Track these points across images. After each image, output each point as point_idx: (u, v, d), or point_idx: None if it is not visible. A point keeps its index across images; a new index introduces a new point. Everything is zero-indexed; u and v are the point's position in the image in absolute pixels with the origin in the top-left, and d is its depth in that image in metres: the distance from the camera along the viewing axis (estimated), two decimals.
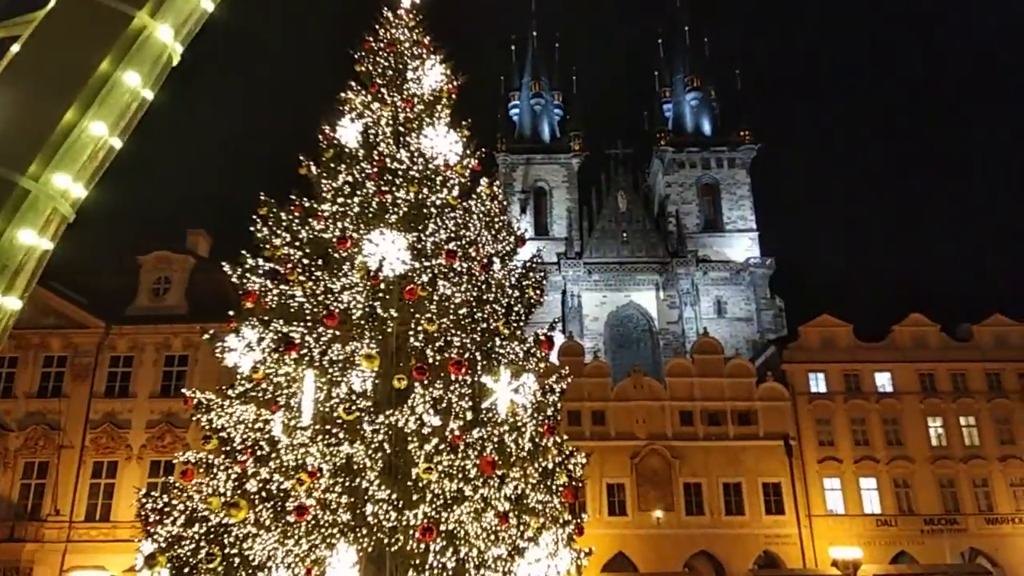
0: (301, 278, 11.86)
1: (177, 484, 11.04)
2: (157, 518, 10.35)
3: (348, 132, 12.98)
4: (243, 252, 12.03)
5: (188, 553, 9.57)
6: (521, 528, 9.95)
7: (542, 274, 13.60)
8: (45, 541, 28.88)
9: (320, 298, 11.70)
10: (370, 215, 12.30)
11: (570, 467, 11.90)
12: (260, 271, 12.10)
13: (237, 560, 9.32)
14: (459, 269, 11.99)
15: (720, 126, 74.17)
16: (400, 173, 12.49)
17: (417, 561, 9.55)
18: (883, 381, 41.02)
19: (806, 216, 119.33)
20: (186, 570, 9.39)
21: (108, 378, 31.70)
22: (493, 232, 13.01)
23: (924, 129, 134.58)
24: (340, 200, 12.40)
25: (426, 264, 11.82)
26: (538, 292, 13.18)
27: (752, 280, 68.23)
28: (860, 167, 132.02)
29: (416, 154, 12.70)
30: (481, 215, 12.94)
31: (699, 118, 75.25)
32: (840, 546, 37.17)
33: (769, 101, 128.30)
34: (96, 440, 30.57)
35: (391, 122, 13.05)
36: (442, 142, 12.78)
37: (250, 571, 9.26)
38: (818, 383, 40.96)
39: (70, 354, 31.75)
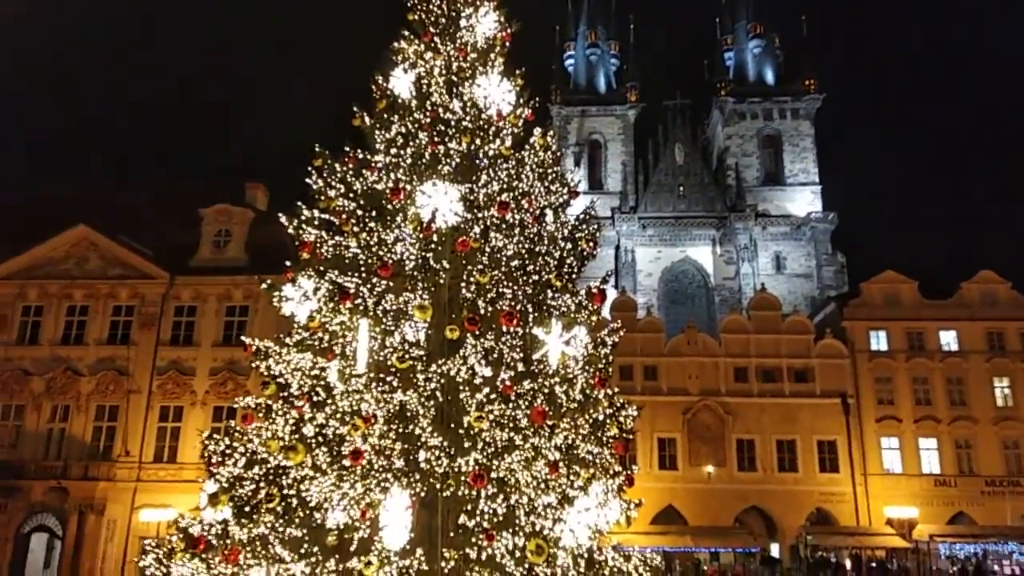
0: (355, 229, 11.93)
1: (238, 428, 11.39)
2: (219, 460, 10.70)
3: (401, 82, 12.87)
4: (299, 203, 12.15)
5: (248, 493, 9.89)
6: (571, 478, 10.01)
7: (595, 226, 13.42)
8: (117, 480, 30.46)
9: (374, 249, 11.77)
10: (423, 166, 12.25)
11: (621, 419, 11.87)
12: (315, 222, 12.22)
13: (295, 501, 9.61)
14: (511, 221, 11.89)
15: (783, 75, 71.48)
16: (453, 123, 12.38)
17: (469, 507, 9.69)
18: (948, 339, 39.79)
19: (871, 170, 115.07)
20: (247, 509, 9.72)
21: (173, 327, 32.89)
22: (546, 184, 12.84)
23: (992, 83, 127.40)
24: (393, 151, 12.38)
25: (478, 216, 11.75)
26: (591, 244, 13.02)
27: (813, 235, 66.37)
28: (927, 120, 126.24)
29: (469, 104, 12.54)
30: (534, 166, 12.77)
31: (761, 67, 72.64)
32: (896, 505, 36.64)
33: (835, 50, 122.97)
34: (162, 386, 31.90)
35: (444, 71, 12.88)
36: (495, 91, 12.58)
37: (307, 512, 9.54)
38: (879, 341, 39.96)
39: (137, 303, 32.97)
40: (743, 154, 69.62)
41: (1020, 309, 39.85)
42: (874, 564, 34.48)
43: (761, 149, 69.92)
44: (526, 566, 8.93)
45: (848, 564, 34.02)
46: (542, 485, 9.98)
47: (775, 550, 37.38)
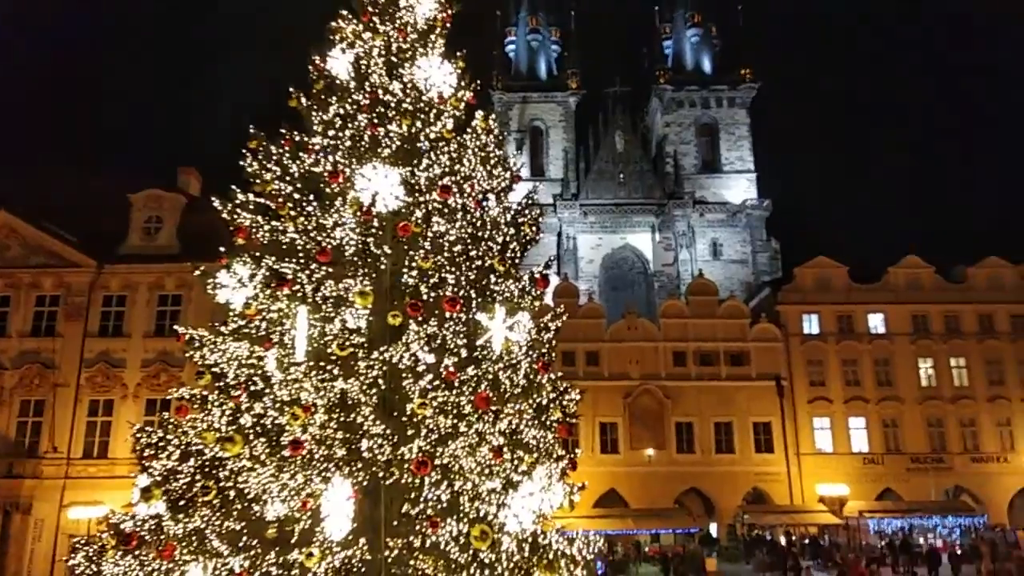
0: (292, 213, 11.60)
1: (172, 420, 11.02)
2: (152, 452, 10.34)
3: (339, 63, 12.53)
4: (232, 187, 11.74)
5: (183, 486, 9.57)
6: (515, 462, 9.97)
7: (538, 211, 13.37)
8: (44, 477, 29.23)
9: (312, 234, 11.47)
10: (362, 149, 11.97)
11: (564, 403, 11.89)
12: (251, 206, 11.82)
13: (232, 493, 9.33)
14: (453, 205, 11.74)
15: (720, 64, 72.81)
16: (392, 105, 12.12)
17: (412, 494, 9.57)
18: (876, 323, 41.35)
19: (805, 158, 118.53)
20: (181, 503, 9.40)
21: (102, 317, 31.64)
22: (488, 168, 12.70)
23: (924, 69, 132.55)
24: (331, 133, 12.06)
25: (420, 200, 11.56)
26: (534, 229, 12.96)
27: (749, 222, 67.97)
28: (860, 108, 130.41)
29: (409, 86, 12.30)
30: (476, 150, 12.62)
31: (699, 56, 73.81)
32: (827, 483, 38.04)
33: (771, 39, 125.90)
34: (91, 379, 30.68)
35: (383, 52, 12.59)
36: (436, 73, 12.36)
37: (245, 504, 9.28)
38: (811, 324, 41.28)
39: (63, 293, 31.59)
40: (681, 142, 70.73)
41: (943, 293, 41.69)
42: (807, 540, 35.70)
43: (698, 137, 71.15)
44: (471, 552, 8.88)
45: (783, 541, 35.12)
46: (486, 471, 9.93)
47: (713, 529, 38.38)
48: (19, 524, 28.76)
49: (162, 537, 9.22)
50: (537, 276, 12.17)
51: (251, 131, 11.91)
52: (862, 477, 38.79)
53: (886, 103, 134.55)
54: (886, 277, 42.22)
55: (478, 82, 13.11)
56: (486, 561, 8.93)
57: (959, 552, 33.73)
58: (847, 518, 37.15)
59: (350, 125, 11.86)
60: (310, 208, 11.45)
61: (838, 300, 41.51)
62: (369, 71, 12.36)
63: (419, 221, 11.14)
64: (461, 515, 9.21)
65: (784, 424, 39.35)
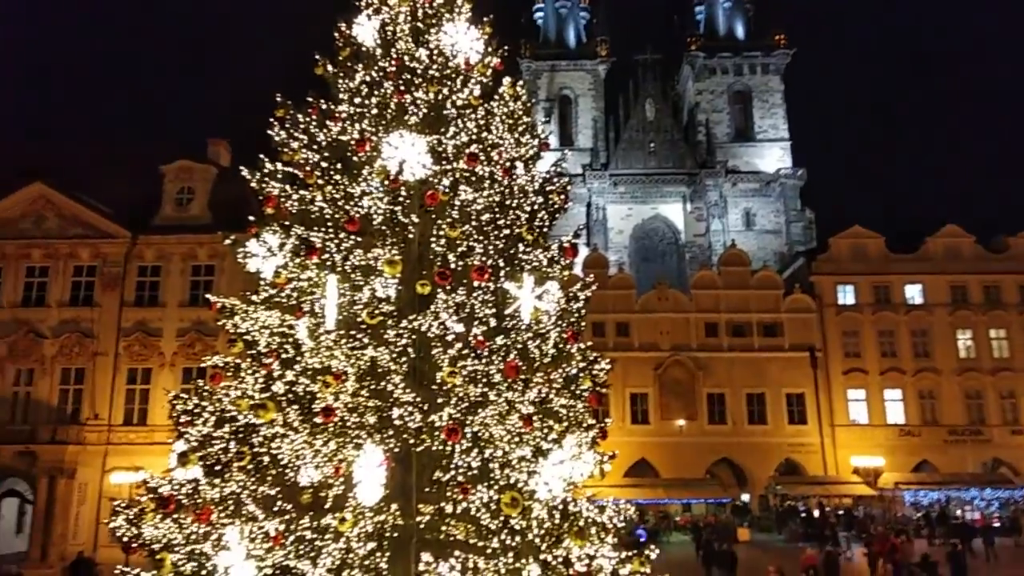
0: (320, 182, 11.58)
1: (206, 387, 11.16)
2: (188, 419, 10.49)
3: (364, 29, 12.39)
4: (261, 156, 11.74)
5: (218, 452, 9.71)
6: (545, 431, 9.96)
7: (566, 179, 13.20)
8: (87, 443, 30.07)
9: (340, 203, 11.44)
10: (389, 117, 11.86)
11: (594, 373, 11.81)
12: (279, 175, 11.81)
13: (266, 459, 9.44)
14: (481, 173, 11.61)
15: (754, 30, 71.10)
16: (419, 72, 11.97)
17: (443, 461, 9.61)
18: (913, 293, 40.54)
19: (841, 125, 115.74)
20: (217, 468, 9.55)
21: (137, 287, 32.24)
22: (516, 135, 12.53)
23: (965, 28, 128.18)
24: (357, 101, 11.96)
25: (447, 168, 11.45)
26: (562, 197, 12.78)
27: (782, 191, 66.78)
28: (897, 73, 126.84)
29: (436, 52, 12.13)
30: (504, 117, 12.44)
31: (732, 21, 72.12)
32: (862, 455, 37.63)
33: (806, 3, 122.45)
34: (129, 348, 31.36)
35: (409, 18, 12.42)
36: (463, 39, 12.17)
37: (279, 469, 9.40)
38: (846, 295, 40.60)
39: (99, 263, 32.20)
40: (713, 110, 69.46)
41: (983, 263, 40.67)
42: (841, 512, 35.45)
43: (731, 105, 69.79)
44: (501, 518, 8.90)
45: (816, 512, 34.93)
46: (516, 439, 9.93)
47: (745, 500, 38.27)
48: (64, 488, 29.69)
49: (199, 501, 9.38)
50: (566, 245, 12.05)
51: (278, 100, 11.88)
52: (898, 449, 38.32)
53: (924, 67, 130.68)
54: (924, 247, 41.28)
55: (505, 48, 12.89)
56: (516, 528, 8.96)
57: (997, 524, 33.29)
58: (882, 490, 36.79)
59: (376, 92, 11.75)
60: (338, 177, 11.42)
61: (874, 270, 40.72)
62: (395, 37, 12.22)
63: (446, 189, 11.05)
64: (491, 482, 9.24)
65: (818, 395, 38.92)
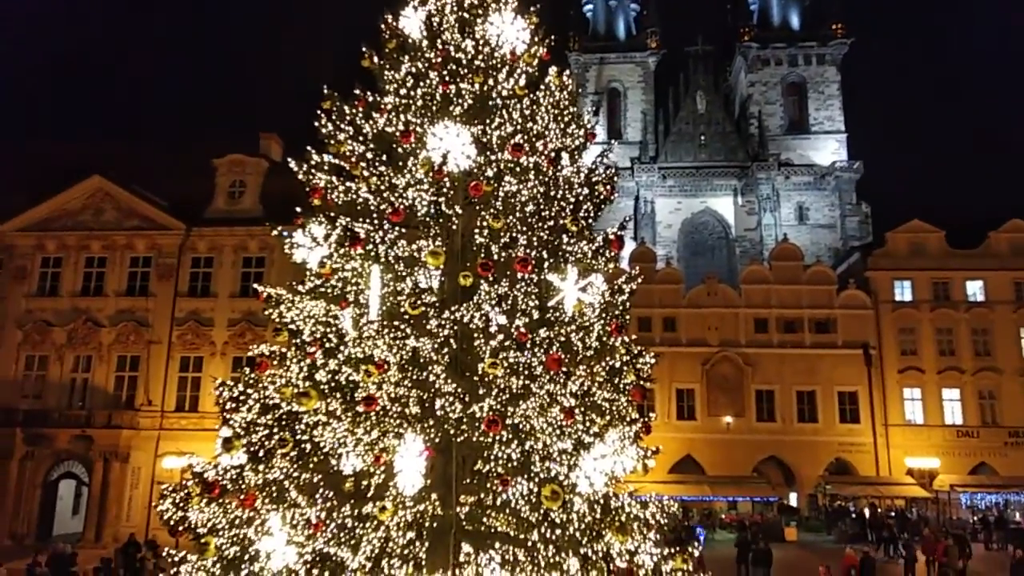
0: (365, 173, 11.62)
1: (252, 375, 11.33)
2: (233, 406, 10.65)
3: (411, 21, 12.37)
4: (308, 148, 11.85)
5: (262, 439, 9.84)
6: (587, 424, 9.84)
7: (612, 169, 13.01)
8: (140, 428, 31.01)
9: (385, 194, 11.46)
10: (434, 108, 11.83)
11: (638, 366, 11.62)
12: (325, 167, 11.91)
13: (308, 446, 9.53)
14: (526, 164, 11.51)
15: (809, 20, 69.28)
16: (464, 63, 11.90)
17: (484, 452, 9.57)
18: (974, 290, 39.12)
19: (898, 117, 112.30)
20: (261, 454, 9.67)
21: (191, 278, 33.08)
22: (562, 125, 12.38)
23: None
24: (403, 92, 11.96)
25: (491, 159, 11.37)
26: (608, 188, 12.60)
27: (837, 185, 65.08)
28: (958, 65, 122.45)
29: (481, 42, 12.04)
30: (549, 107, 12.30)
31: (786, 11, 70.41)
32: (916, 456, 36.51)
33: None
34: (182, 336, 32.21)
35: (455, 9, 12.37)
36: (509, 29, 12.06)
37: (321, 457, 9.47)
38: (904, 291, 39.38)
39: (154, 255, 33.12)
40: (766, 102, 68.01)
41: None
42: (893, 513, 34.46)
43: (785, 97, 68.24)
44: (541, 511, 8.82)
45: (867, 513, 34.01)
46: (557, 431, 9.83)
47: (792, 499, 37.51)
48: (118, 472, 30.67)
49: (243, 486, 9.51)
50: (611, 237, 11.87)
51: (325, 92, 11.96)
52: (954, 450, 37.06)
53: (986, 55, 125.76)
54: (987, 242, 39.76)
55: (552, 37, 12.74)
56: (557, 521, 8.87)
57: None
58: (937, 492, 35.65)
59: (421, 84, 11.73)
60: (382, 168, 11.44)
61: (933, 266, 39.36)
62: (441, 28, 12.18)
63: (491, 180, 10.97)
64: (532, 474, 9.17)
65: (871, 394, 37.86)
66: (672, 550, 9.31)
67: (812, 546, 30.68)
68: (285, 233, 11.61)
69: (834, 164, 65.30)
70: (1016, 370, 37.87)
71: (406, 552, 8.63)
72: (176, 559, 9.34)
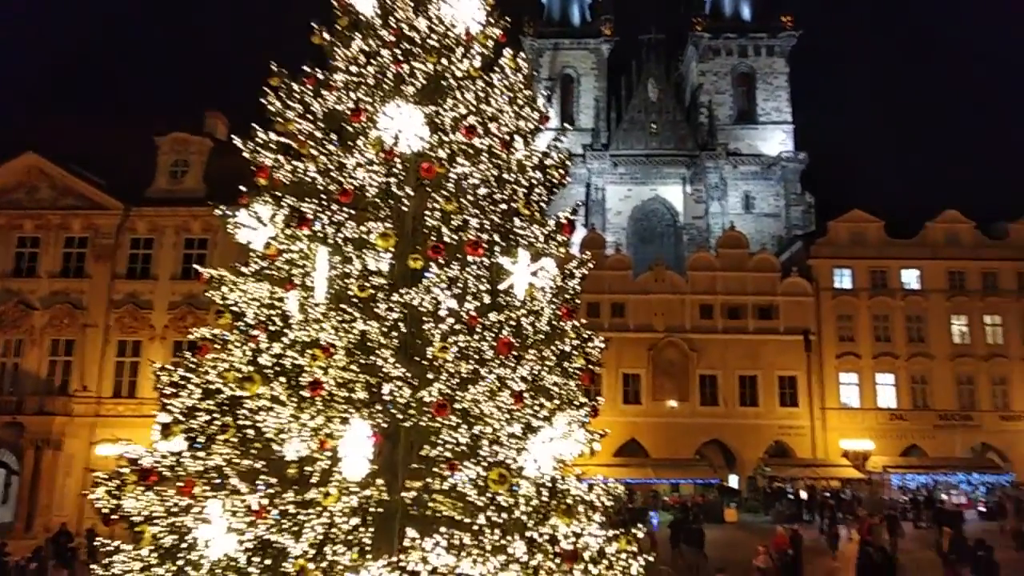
0: (314, 152, 11.33)
1: (193, 359, 10.99)
2: (173, 391, 10.32)
3: None
4: (254, 126, 11.49)
5: (203, 425, 9.55)
6: (536, 408, 9.82)
7: (566, 153, 12.96)
8: (74, 415, 29.98)
9: (333, 174, 11.20)
10: (386, 87, 11.59)
11: (587, 351, 11.65)
12: (272, 146, 11.57)
13: (251, 432, 9.29)
14: (479, 146, 11.37)
15: (760, 11, 70.32)
16: (418, 42, 11.67)
17: (431, 437, 9.48)
18: (910, 278, 40.48)
19: (844, 109, 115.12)
20: (201, 440, 9.40)
21: (129, 260, 32.05)
22: (516, 108, 12.26)
23: (972, 15, 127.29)
24: (354, 70, 11.68)
25: (444, 140, 11.21)
26: (561, 173, 12.54)
27: (783, 175, 66.46)
28: (904, 58, 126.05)
29: (436, 21, 11.83)
30: (503, 89, 12.16)
31: (738, 2, 71.37)
32: (851, 438, 37.75)
33: None
34: (120, 320, 31.20)
35: None
36: (464, 9, 11.85)
37: (264, 443, 9.25)
38: (843, 279, 40.52)
39: (91, 235, 31.96)
40: (716, 92, 68.93)
41: (982, 249, 40.58)
42: (828, 494, 35.57)
43: (735, 87, 69.25)
44: (488, 495, 8.79)
45: (804, 494, 35.05)
46: (506, 416, 9.79)
47: (733, 481, 38.42)
48: (50, 459, 29.62)
49: (181, 474, 9.24)
50: (563, 221, 11.84)
51: (272, 68, 11.61)
52: (887, 433, 38.45)
53: (928, 52, 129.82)
54: (923, 232, 41.15)
55: (507, 18, 12.59)
56: (504, 504, 8.84)
57: (983, 509, 33.48)
58: (870, 473, 36.95)
59: (373, 62, 11.48)
60: (331, 147, 11.18)
61: (872, 255, 40.60)
62: (394, 6, 11.92)
63: (443, 162, 10.82)
64: (480, 458, 9.12)
65: (810, 378, 38.96)
66: (617, 532, 9.40)
67: (750, 526, 31.48)
68: (229, 213, 11.29)
69: (780, 155, 66.65)
70: (947, 356, 39.39)
71: (350, 538, 8.51)
72: (110, 549, 9.04)
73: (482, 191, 11.06)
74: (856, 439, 37.82)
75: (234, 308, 10.52)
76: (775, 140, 67.59)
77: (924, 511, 32.29)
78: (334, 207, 10.68)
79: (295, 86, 11.50)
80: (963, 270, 40.35)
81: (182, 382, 10.23)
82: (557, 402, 10.26)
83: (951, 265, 40.33)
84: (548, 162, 12.17)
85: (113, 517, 9.09)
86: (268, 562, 8.37)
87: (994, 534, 25.84)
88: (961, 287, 40.11)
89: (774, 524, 31.66)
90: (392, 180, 10.76)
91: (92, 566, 9.22)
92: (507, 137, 11.62)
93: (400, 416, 9.44)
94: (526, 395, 9.77)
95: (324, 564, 8.26)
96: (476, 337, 9.74)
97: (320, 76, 11.57)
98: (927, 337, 39.75)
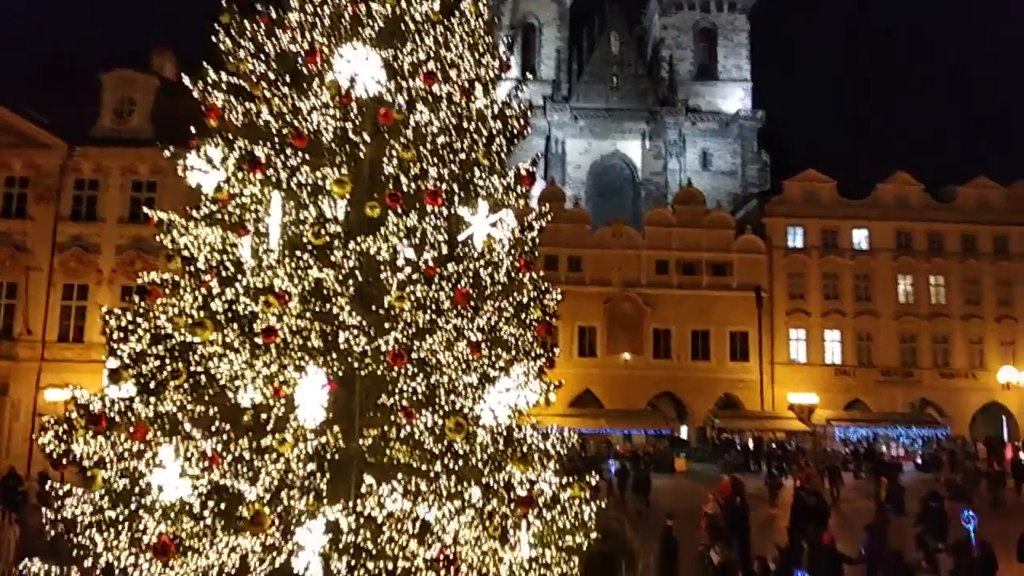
0: (267, 95, 10.97)
1: (142, 303, 10.73)
2: (121, 336, 10.08)
3: None
4: (204, 64, 11.05)
5: (153, 370, 9.38)
6: (493, 358, 9.87)
7: (527, 103, 12.79)
8: (19, 360, 29.24)
9: (287, 117, 10.89)
10: (342, 28, 11.22)
11: (544, 303, 11.70)
12: (223, 86, 11.16)
13: (204, 378, 9.16)
14: (438, 93, 11.15)
15: None
16: None
17: (388, 386, 9.47)
18: (860, 238, 41.45)
19: (803, 69, 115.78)
20: (152, 385, 9.24)
21: (74, 202, 31.00)
22: (476, 55, 12.01)
23: None
24: (309, 9, 11.27)
25: (403, 85, 10.95)
26: (522, 123, 12.38)
27: (741, 133, 66.88)
28: (864, 20, 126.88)
29: None
30: (464, 35, 11.88)
31: None
32: (798, 392, 38.97)
33: None
34: (65, 263, 30.29)
35: None
36: None
37: (217, 389, 9.13)
38: (796, 238, 41.31)
39: (32, 175, 30.75)
40: (678, 47, 68.58)
41: (929, 211, 41.68)
42: (774, 445, 36.85)
43: (696, 42, 68.98)
44: (445, 443, 8.86)
45: (750, 445, 36.23)
46: (463, 365, 9.82)
47: (684, 432, 39.47)
48: None
49: (133, 419, 9.10)
50: (523, 173, 11.75)
51: (223, 4, 11.14)
52: (832, 388, 39.79)
53: (890, 17, 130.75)
54: (874, 193, 42.04)
55: None
56: (460, 452, 8.93)
57: (919, 462, 35.05)
58: (815, 426, 38.28)
59: (329, 1, 11.11)
60: (285, 89, 10.85)
61: (824, 214, 41.43)
62: None
63: (401, 108, 10.60)
64: (437, 407, 9.17)
65: (760, 334, 39.93)
66: (570, 479, 9.59)
67: (699, 475, 32.49)
68: (178, 155, 10.94)
69: (738, 112, 66.95)
70: (892, 314, 40.69)
71: (307, 483, 8.51)
72: (61, 492, 8.91)
73: (441, 139, 10.89)
74: (803, 393, 39.06)
75: (184, 253, 10.29)
76: (734, 97, 67.82)
77: (864, 463, 33.65)
78: (288, 151, 10.42)
79: (247, 24, 11.09)
80: (911, 231, 41.48)
81: (131, 327, 10.01)
82: (514, 353, 10.33)
83: (900, 226, 41.40)
84: (508, 112, 12.02)
85: (63, 462, 8.95)
86: (223, 507, 8.34)
87: (929, 484, 27.13)
88: (908, 247, 41.27)
89: (721, 473, 32.74)
90: (348, 125, 10.52)
91: (43, 509, 9.10)
92: (467, 85, 11.41)
93: (356, 365, 9.40)
94: (483, 345, 9.81)
95: (280, 509, 8.27)
96: (434, 287, 9.70)
97: (274, 15, 11.17)
98: (873, 296, 40.95)
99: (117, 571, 8.41)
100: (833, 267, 41.01)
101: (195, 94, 10.97)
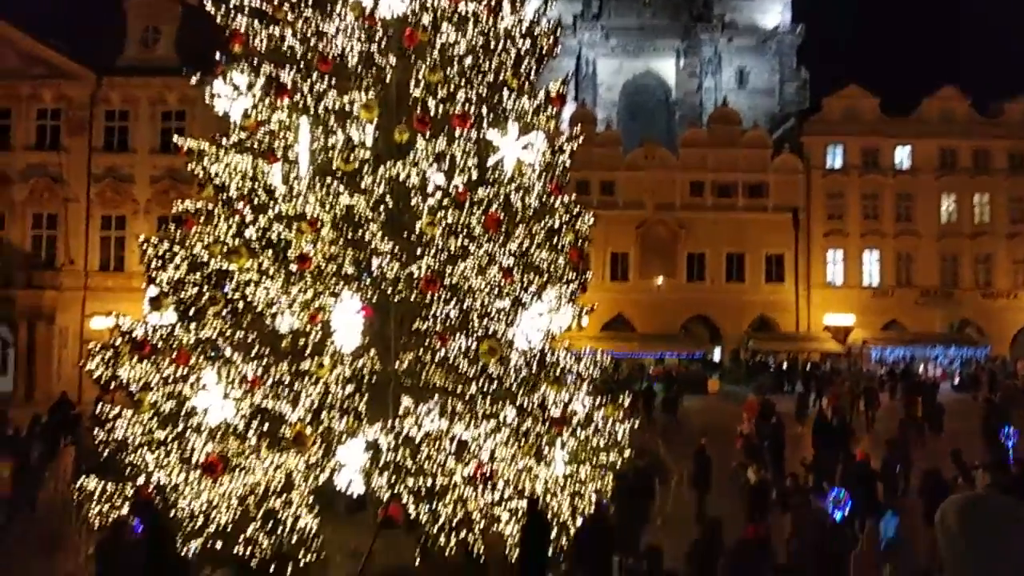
0: (290, 17, 10.77)
1: (178, 232, 10.88)
2: (160, 264, 10.27)
3: None
4: None
5: (192, 297, 9.59)
6: (525, 283, 9.88)
7: (556, 21, 12.39)
8: (64, 289, 30.04)
9: (312, 41, 10.70)
10: None
11: (576, 226, 11.61)
12: (246, 10, 10.97)
13: (241, 305, 9.34)
14: (464, 13, 10.83)
15: None
16: None
17: (422, 311, 9.56)
18: (902, 156, 40.18)
19: None
20: (192, 312, 9.45)
21: (106, 132, 31.18)
22: None
23: None
24: None
25: (427, 5, 10.66)
26: (551, 42, 12.04)
27: (779, 49, 64.23)
28: None
29: None
30: None
31: None
32: (835, 313, 38.60)
33: None
34: (101, 194, 30.72)
35: None
36: None
37: (255, 315, 9.31)
38: (835, 157, 40.14)
39: (63, 106, 30.88)
40: None
41: (975, 127, 40.02)
42: (808, 366, 36.73)
43: None
44: (479, 366, 8.98)
45: (784, 366, 36.19)
46: (495, 291, 9.85)
47: (717, 355, 39.54)
48: (44, 333, 29.93)
49: (175, 345, 9.36)
50: (553, 94, 11.48)
51: None
52: (869, 309, 39.30)
53: None
54: (919, 109, 40.39)
55: None
56: (494, 375, 9.06)
57: (957, 381, 34.78)
58: (850, 347, 38.06)
59: None
60: (308, 12, 10.62)
61: (866, 132, 39.99)
62: None
63: (426, 29, 10.33)
64: (470, 331, 9.25)
65: (797, 256, 39.35)
66: (604, 399, 9.71)
67: (732, 396, 32.67)
68: (205, 82, 10.85)
69: (777, 27, 64.23)
70: (933, 235, 39.72)
71: (346, 404, 8.74)
72: (111, 415, 9.26)
73: (468, 61, 10.64)
74: (839, 314, 38.70)
75: (216, 181, 10.34)
76: (773, 11, 64.90)
77: (900, 383, 33.47)
78: (314, 76, 10.28)
79: None
80: (955, 148, 39.97)
81: (169, 256, 10.17)
82: (546, 277, 10.33)
83: (943, 143, 39.90)
84: (537, 31, 11.66)
85: (110, 387, 9.29)
86: (266, 427, 8.62)
87: (967, 403, 27.00)
88: (952, 166, 39.89)
89: (755, 394, 32.90)
90: (374, 48, 10.31)
91: (96, 430, 9.49)
92: (494, 3, 11.06)
93: (389, 291, 9.48)
94: (515, 271, 9.81)
95: (321, 429, 8.52)
96: (464, 212, 9.65)
97: None
98: (914, 216, 39.89)
99: (169, 488, 8.80)
100: (873, 187, 39.87)
101: (218, 19, 10.81)
